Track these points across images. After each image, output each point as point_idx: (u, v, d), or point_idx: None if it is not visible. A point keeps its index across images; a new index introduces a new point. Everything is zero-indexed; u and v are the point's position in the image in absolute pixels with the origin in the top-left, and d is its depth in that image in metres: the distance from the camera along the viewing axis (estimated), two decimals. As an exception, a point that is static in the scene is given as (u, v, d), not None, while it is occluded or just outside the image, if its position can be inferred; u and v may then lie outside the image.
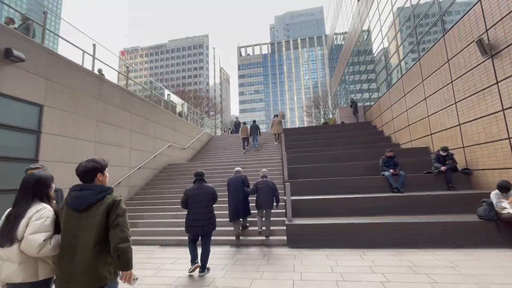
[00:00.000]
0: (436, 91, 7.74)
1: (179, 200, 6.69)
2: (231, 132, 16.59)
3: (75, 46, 7.24)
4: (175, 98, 14.15)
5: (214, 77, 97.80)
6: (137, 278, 1.90)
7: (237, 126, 16.43)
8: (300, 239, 5.39)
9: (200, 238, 4.16)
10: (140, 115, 9.34)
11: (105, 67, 8.32)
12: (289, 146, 11.28)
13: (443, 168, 6.63)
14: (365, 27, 14.79)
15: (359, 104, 16.00)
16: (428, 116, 8.40)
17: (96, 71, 7.72)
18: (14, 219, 1.82)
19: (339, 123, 16.28)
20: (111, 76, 9.37)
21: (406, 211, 5.90)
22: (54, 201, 2.08)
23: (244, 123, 14.52)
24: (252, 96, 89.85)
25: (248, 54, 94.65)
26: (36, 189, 1.93)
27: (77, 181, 1.93)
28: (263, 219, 5.75)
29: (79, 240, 1.75)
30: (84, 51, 7.40)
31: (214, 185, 4.83)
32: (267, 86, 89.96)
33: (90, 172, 1.92)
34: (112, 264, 1.81)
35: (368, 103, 15.32)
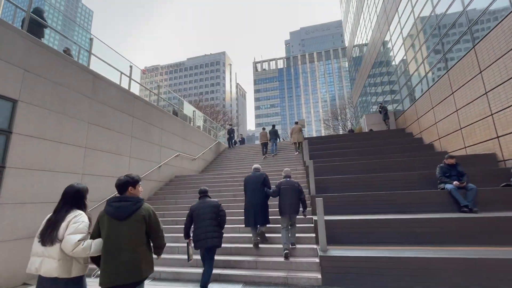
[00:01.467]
0: (505, 82, 6.05)
1: (183, 219, 5.50)
2: (228, 140, 15.32)
3: (111, 66, 7.58)
4: (187, 106, 13.21)
5: (231, 93, 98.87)
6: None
7: (231, 133, 15.37)
8: (341, 277, 3.81)
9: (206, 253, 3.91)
10: (143, 119, 8.30)
11: (136, 85, 8.69)
12: (312, 156, 9.75)
13: (530, 179, 4.86)
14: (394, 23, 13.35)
15: (389, 110, 14.27)
16: (492, 114, 6.66)
17: (129, 88, 7.82)
18: (54, 222, 2.12)
19: (367, 131, 14.54)
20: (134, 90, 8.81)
21: (485, 239, 4.18)
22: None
23: (263, 128, 13.48)
24: (268, 110, 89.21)
25: (264, 69, 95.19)
26: (75, 198, 2.24)
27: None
28: (289, 229, 4.77)
29: (123, 242, 2.13)
30: (121, 72, 7.94)
31: (225, 199, 5.08)
32: (283, 100, 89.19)
33: (122, 185, 2.35)
34: (151, 261, 2.27)
35: (400, 108, 13.58)
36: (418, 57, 10.78)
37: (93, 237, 2.19)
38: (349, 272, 3.79)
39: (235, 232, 5.64)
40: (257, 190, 5.01)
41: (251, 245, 4.97)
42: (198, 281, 4.02)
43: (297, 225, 5.31)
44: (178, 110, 11.82)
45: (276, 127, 13.29)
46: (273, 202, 5.59)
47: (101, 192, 6.21)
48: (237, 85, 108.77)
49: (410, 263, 3.61)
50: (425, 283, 3.51)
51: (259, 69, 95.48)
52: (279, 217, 4.96)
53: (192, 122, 12.69)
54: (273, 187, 5.19)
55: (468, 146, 7.76)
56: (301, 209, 4.96)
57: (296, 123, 12.59)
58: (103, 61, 7.12)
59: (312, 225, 5.41)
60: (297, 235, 5.07)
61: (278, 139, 13.00)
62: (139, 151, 7.97)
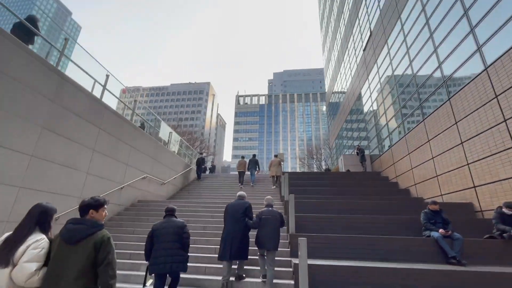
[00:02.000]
0: (482, 132, 6.29)
1: (140, 252, 4.67)
2: (197, 171, 13.63)
3: (86, 73, 6.99)
4: (164, 126, 12.48)
5: (211, 122, 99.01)
6: None
7: (199, 163, 13.65)
8: None
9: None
10: (112, 133, 7.47)
11: (111, 97, 7.93)
12: (290, 192, 9.28)
13: (513, 232, 4.73)
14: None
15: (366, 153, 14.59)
16: (468, 164, 6.81)
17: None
18: (13, 243, 1.89)
19: (344, 171, 14.58)
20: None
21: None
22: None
23: (243, 157, 13.03)
24: (246, 142, 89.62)
25: (246, 103, 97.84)
26: (41, 217, 2.05)
27: None
28: (267, 269, 4.33)
29: (65, 272, 1.83)
30: (95, 80, 7.30)
31: (193, 231, 4.54)
32: (261, 134, 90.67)
33: (83, 207, 2.11)
34: None
35: (376, 152, 13.94)
36: (395, 105, 11.37)
37: (46, 263, 1.92)
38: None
39: (199, 273, 4.76)
40: (238, 220, 4.54)
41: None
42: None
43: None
44: (154, 129, 11.07)
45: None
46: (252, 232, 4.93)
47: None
48: (218, 115, 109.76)
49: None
50: None
51: (241, 103, 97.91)
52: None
53: (167, 145, 11.88)
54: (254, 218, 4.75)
55: (444, 194, 7.80)
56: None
57: (276, 156, 12.30)
58: (74, 63, 6.47)
59: (291, 269, 4.73)
60: (274, 281, 4.34)
61: (257, 169, 12.54)
62: (100, 168, 7.00)
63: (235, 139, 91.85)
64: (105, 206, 2.19)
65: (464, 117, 6.89)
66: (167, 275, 3.68)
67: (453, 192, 7.43)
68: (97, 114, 6.92)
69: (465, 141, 6.86)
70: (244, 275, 4.53)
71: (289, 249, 5.36)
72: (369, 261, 4.83)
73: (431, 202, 5.44)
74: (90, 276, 1.89)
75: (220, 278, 4.44)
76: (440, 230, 4.98)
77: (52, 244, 1.96)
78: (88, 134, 6.56)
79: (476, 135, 6.47)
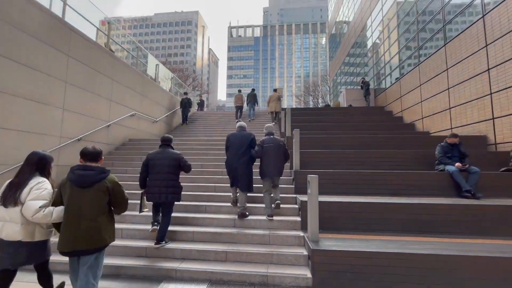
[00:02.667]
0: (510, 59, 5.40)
1: (135, 191, 4.56)
2: (182, 112, 11.51)
3: None
4: (152, 59, 11.04)
5: (202, 58, 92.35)
6: None
7: (185, 104, 11.31)
8: (337, 276, 2.95)
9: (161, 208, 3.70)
10: (86, 63, 6.36)
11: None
12: (291, 128, 8.75)
13: (536, 165, 4.38)
14: (387, -8, 12.23)
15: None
16: (491, 93, 6.12)
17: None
18: (16, 185, 2.16)
19: (346, 106, 13.91)
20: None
21: (495, 229, 3.61)
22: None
23: (239, 90, 12.14)
24: (240, 80, 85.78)
25: (240, 36, 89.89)
26: (39, 164, 2.31)
27: None
28: (271, 191, 4.30)
29: (83, 211, 2.08)
30: None
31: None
32: (257, 71, 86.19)
33: (95, 155, 2.30)
34: (112, 230, 2.26)
35: (382, 86, 13.03)
36: (412, 28, 9.93)
37: (55, 203, 2.19)
38: (348, 270, 2.93)
39: (200, 211, 4.51)
40: (243, 152, 4.26)
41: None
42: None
43: (277, 217, 4.38)
44: (137, 61, 9.76)
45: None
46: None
47: (11, 153, 4.51)
48: (210, 50, 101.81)
49: (423, 261, 2.84)
50: (442, 286, 2.78)
51: (234, 35, 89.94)
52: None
53: (156, 80, 10.71)
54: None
55: (455, 127, 7.35)
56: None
57: (275, 90, 11.37)
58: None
59: (296, 205, 4.48)
60: (278, 218, 4.12)
61: (256, 104, 11.86)
62: (79, 104, 6.16)
63: (229, 77, 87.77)
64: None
65: (500, 37, 5.87)
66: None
67: (465, 125, 6.96)
68: (62, 38, 5.68)
69: (494, 67, 6.01)
70: (247, 213, 4.27)
71: (293, 186, 5.07)
72: (379, 196, 4.59)
73: (451, 135, 4.95)
74: (107, 211, 2.21)
75: (220, 215, 4.29)
76: (457, 164, 4.62)
77: (62, 188, 2.18)
78: (54, 62, 5.48)
79: (510, 59, 5.59)
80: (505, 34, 5.71)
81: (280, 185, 4.48)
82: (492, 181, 4.61)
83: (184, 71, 48.82)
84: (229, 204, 4.53)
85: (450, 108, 7.58)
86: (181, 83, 16.73)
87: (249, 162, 4.26)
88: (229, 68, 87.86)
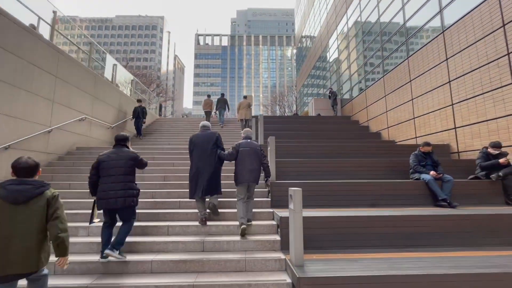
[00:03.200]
0: (477, 68, 5.72)
1: (81, 212, 4.11)
2: (135, 123, 9.55)
3: None
4: (110, 60, 9.89)
5: (167, 64, 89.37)
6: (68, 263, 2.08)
7: (138, 113, 9.48)
8: (326, 310, 2.50)
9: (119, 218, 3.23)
10: (16, 53, 5.28)
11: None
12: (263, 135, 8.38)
13: (501, 173, 4.52)
14: None
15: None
16: (452, 104, 6.43)
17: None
18: None
19: (315, 115, 14.07)
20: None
21: (473, 240, 3.52)
22: None
23: (209, 95, 11.57)
24: (207, 88, 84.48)
25: (207, 44, 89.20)
26: None
27: None
28: (246, 201, 3.87)
29: (16, 230, 1.86)
30: None
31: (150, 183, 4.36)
32: (224, 79, 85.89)
33: (34, 168, 2.06)
34: (48, 251, 2.02)
35: (347, 96, 13.45)
36: (375, 44, 10.40)
37: None
38: (339, 301, 2.50)
39: (160, 234, 3.78)
40: (208, 152, 4.02)
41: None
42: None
43: (253, 223, 3.88)
44: (87, 56, 8.64)
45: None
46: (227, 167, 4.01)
47: None
48: (176, 57, 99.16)
49: (419, 283, 2.54)
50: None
51: (201, 43, 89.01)
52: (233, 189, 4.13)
53: (113, 80, 9.61)
54: (228, 149, 4.21)
55: (420, 136, 7.63)
56: (262, 175, 4.27)
57: (245, 97, 10.98)
58: None
59: (273, 222, 4.00)
60: (254, 237, 3.59)
61: (227, 110, 11.37)
62: (7, 103, 5.03)
63: (195, 84, 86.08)
64: None
65: (458, 52, 6.22)
66: (117, 213, 3.23)
67: (429, 134, 7.24)
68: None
69: (454, 79, 6.34)
70: (216, 204, 4.05)
71: (269, 199, 4.60)
72: (359, 207, 4.33)
73: (424, 143, 4.95)
74: (43, 229, 1.96)
75: (186, 238, 3.61)
76: (432, 172, 4.60)
77: None
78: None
79: (469, 72, 5.91)
80: (464, 49, 6.06)
81: (257, 183, 4.08)
82: (463, 188, 4.66)
83: (148, 76, 46.33)
84: (196, 223, 3.89)
85: (414, 118, 7.89)
86: (144, 88, 15.53)
87: (216, 162, 4.02)
88: (196, 75, 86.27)
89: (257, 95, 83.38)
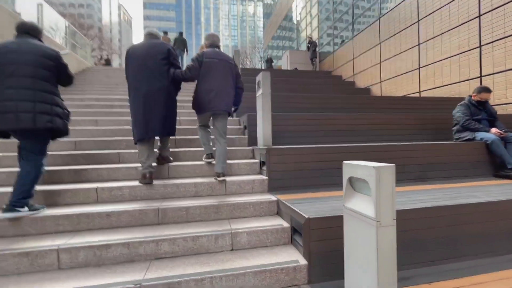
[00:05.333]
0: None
1: None
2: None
3: None
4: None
5: (110, 14, 75.81)
6: None
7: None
8: None
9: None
10: None
11: None
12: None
13: None
14: None
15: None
16: (480, 46, 5.10)
17: None
18: None
19: (290, 69, 12.18)
20: None
21: None
22: None
23: (165, 32, 9.18)
24: (161, 45, 75.28)
25: (158, -9, 77.21)
26: None
27: None
28: (215, 143, 2.72)
29: None
30: None
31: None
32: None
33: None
34: None
35: (327, 49, 11.72)
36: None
37: None
38: None
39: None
40: (156, 71, 2.56)
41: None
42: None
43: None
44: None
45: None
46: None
47: None
48: (120, 6, 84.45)
49: None
50: None
51: (151, -10, 76.68)
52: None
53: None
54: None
55: (425, 90, 6.39)
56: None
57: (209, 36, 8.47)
58: None
59: (254, 160, 2.28)
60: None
61: (185, 52, 9.23)
62: None
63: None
64: None
65: (501, -28, 4.70)
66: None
67: (439, 87, 6.02)
68: None
69: (489, 11, 4.92)
70: (171, 158, 2.93)
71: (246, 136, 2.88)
72: (406, 182, 2.83)
73: (480, 88, 3.52)
74: None
75: (126, 206, 2.06)
76: (493, 130, 3.25)
77: None
78: None
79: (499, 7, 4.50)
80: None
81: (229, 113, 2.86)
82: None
83: (87, 28, 38.20)
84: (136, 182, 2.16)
85: (419, 68, 6.55)
86: (80, 35, 11.61)
87: (168, 87, 2.63)
88: (146, 28, 75.58)
89: (218, 55, 77.26)
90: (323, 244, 1.63)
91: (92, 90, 6.74)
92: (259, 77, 2.92)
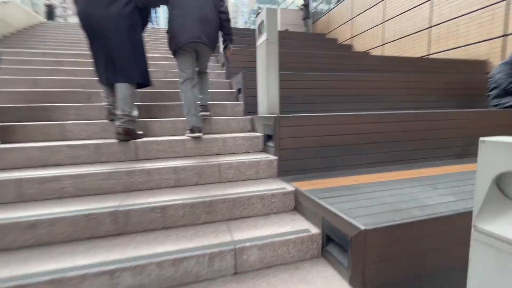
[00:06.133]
0: None
1: None
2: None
3: None
4: None
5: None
6: None
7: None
8: None
9: None
10: None
11: None
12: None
13: None
14: None
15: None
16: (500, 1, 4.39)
17: None
18: None
19: (282, 30, 10.99)
20: None
21: None
22: None
23: None
24: None
25: None
26: None
27: None
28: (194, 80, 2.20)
29: None
30: None
31: None
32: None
33: None
34: None
35: (321, 8, 10.55)
36: None
37: None
38: None
39: None
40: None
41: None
42: None
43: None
44: None
45: None
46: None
47: None
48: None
49: None
50: None
51: None
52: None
53: None
54: None
55: (436, 52, 5.72)
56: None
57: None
58: None
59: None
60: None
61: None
62: None
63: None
64: None
65: None
66: None
67: (453, 49, 5.35)
68: None
69: (525, -46, 4.13)
70: (141, 132, 2.16)
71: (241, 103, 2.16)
72: (437, 160, 2.24)
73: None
74: None
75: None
76: (546, 94, 2.66)
77: None
78: None
79: None
80: None
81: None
82: None
83: None
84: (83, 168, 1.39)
85: (431, 27, 5.80)
86: None
87: (131, 16, 1.95)
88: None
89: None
90: (389, 267, 1.00)
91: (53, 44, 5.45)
92: (262, 16, 2.07)
